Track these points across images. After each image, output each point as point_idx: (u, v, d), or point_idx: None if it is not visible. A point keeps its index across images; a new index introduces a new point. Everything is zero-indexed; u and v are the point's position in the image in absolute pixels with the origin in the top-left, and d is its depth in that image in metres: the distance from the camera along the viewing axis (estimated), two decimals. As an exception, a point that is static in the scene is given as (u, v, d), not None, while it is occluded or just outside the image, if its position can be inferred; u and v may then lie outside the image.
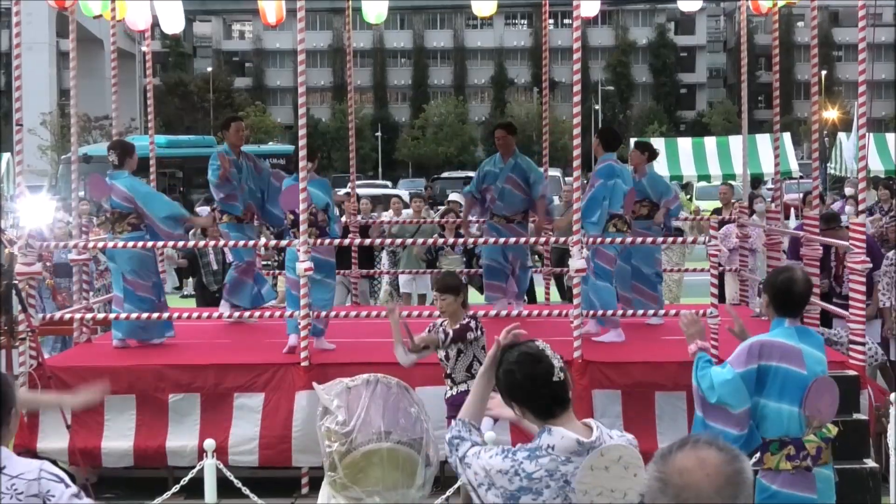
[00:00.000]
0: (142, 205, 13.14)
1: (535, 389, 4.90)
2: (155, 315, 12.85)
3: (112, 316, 13.17)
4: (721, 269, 14.52)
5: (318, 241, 12.50)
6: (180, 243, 13.89)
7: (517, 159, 14.58)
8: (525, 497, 4.80)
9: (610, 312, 12.82)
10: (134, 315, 12.95)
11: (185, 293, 19.48)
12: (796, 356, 7.43)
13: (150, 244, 12.92)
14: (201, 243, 15.09)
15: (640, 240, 13.30)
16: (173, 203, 13.84)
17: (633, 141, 49.17)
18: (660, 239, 15.33)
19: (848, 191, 32.00)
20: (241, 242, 13.59)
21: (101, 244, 14.26)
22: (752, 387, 7.45)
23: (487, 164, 14.93)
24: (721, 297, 18.61)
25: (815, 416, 7.38)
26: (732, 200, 20.51)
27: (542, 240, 15.37)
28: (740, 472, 3.28)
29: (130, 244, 12.93)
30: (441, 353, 10.18)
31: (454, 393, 10.19)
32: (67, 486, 5.35)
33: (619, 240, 12.95)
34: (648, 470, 3.32)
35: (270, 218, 15.07)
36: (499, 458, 4.87)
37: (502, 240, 13.90)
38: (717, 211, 23.03)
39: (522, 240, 14.22)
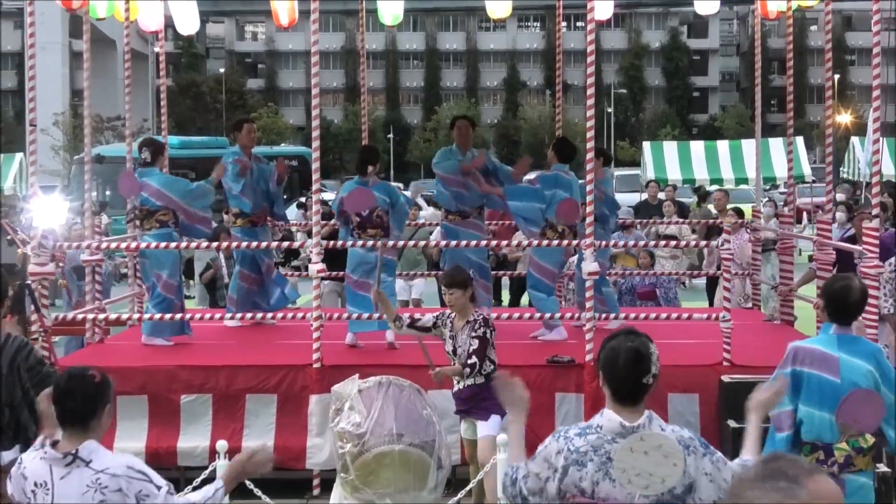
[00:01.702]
0: (182, 201, 13.33)
1: (623, 379, 5.31)
2: (168, 316, 12.90)
3: (125, 317, 13.18)
4: (713, 272, 14.49)
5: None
6: (203, 244, 13.99)
7: (470, 154, 14.22)
8: (572, 468, 5.24)
9: (613, 315, 12.83)
10: (147, 315, 13.02)
11: (187, 294, 19.51)
12: (831, 364, 7.46)
13: (162, 245, 12.95)
14: (214, 245, 15.09)
15: (640, 243, 13.22)
16: (199, 187, 13.81)
17: (644, 144, 49.30)
18: (662, 243, 15.34)
19: (839, 196, 32.02)
20: (255, 244, 13.62)
21: (113, 245, 14.34)
22: (793, 388, 7.53)
23: (448, 154, 14.43)
24: (710, 301, 18.63)
25: (853, 425, 7.36)
26: (729, 206, 20.44)
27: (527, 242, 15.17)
28: None
29: (143, 245, 13.02)
30: (448, 348, 10.17)
31: (461, 387, 10.18)
32: (158, 486, 5.47)
33: (557, 242, 12.93)
34: None
35: (284, 216, 15.12)
36: (553, 442, 5.35)
37: (483, 242, 13.85)
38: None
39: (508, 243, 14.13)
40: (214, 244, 14.93)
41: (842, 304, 7.60)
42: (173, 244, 13.15)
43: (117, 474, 5.44)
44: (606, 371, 5.36)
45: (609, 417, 5.29)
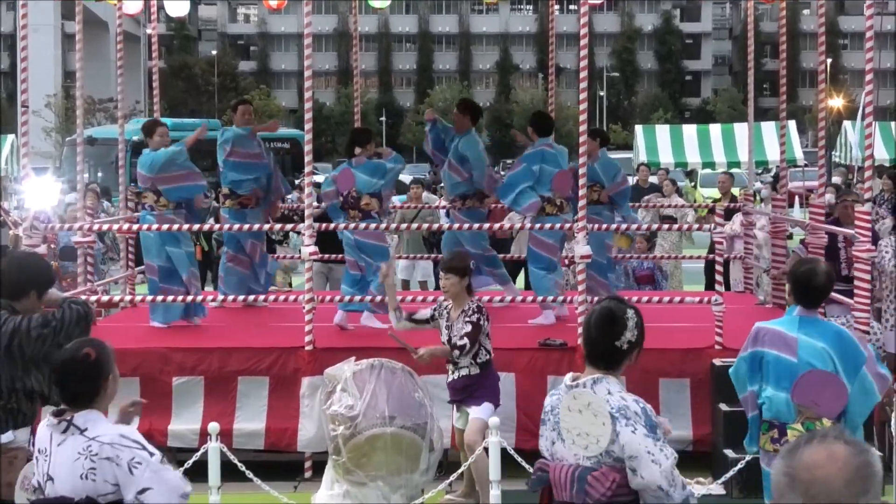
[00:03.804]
0: (151, 175, 13.29)
1: (594, 340, 5.37)
2: (170, 298, 12.88)
3: (116, 298, 13.16)
4: (725, 256, 14.47)
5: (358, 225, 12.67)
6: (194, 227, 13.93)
7: (460, 140, 14.06)
8: (541, 427, 5.46)
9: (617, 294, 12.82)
10: (138, 298, 13.02)
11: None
12: (789, 344, 7.59)
13: (145, 227, 12.93)
14: (206, 227, 15.06)
15: (637, 226, 13.20)
16: (164, 154, 13.61)
17: (637, 128, 49.31)
18: (655, 225, 15.30)
19: (836, 179, 32.07)
20: (247, 226, 13.59)
21: (105, 226, 14.32)
22: (753, 369, 7.71)
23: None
24: (727, 285, 18.65)
25: (811, 406, 7.44)
26: (734, 189, 20.46)
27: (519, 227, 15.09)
28: (869, 464, 3.24)
29: (140, 226, 13.01)
30: (444, 338, 10.16)
31: (455, 377, 10.17)
32: (151, 453, 5.48)
33: (559, 225, 12.93)
34: (775, 466, 3.32)
35: (276, 193, 15.03)
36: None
37: (476, 225, 13.80)
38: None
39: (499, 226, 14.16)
40: (207, 226, 14.87)
41: (805, 288, 7.72)
42: (169, 227, 13.08)
43: (108, 442, 5.46)
44: (583, 332, 5.46)
45: (567, 377, 5.41)
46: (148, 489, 5.43)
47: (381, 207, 13.06)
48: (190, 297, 13.01)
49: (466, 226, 13.55)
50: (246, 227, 13.55)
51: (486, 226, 13.61)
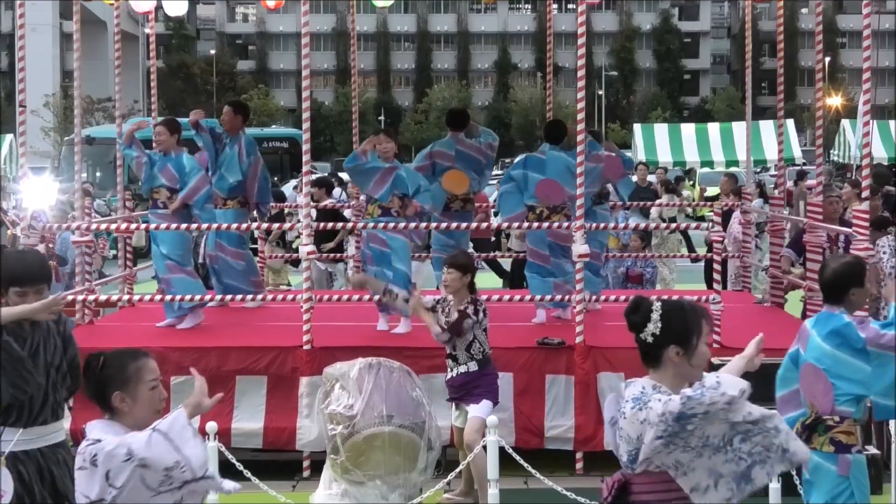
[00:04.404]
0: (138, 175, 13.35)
1: (630, 332, 5.32)
2: (167, 298, 12.88)
3: (114, 298, 13.15)
4: (725, 255, 14.47)
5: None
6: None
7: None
8: None
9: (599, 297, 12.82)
10: (136, 298, 13.02)
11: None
12: (804, 339, 7.59)
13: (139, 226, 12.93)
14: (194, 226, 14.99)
15: (642, 225, 13.18)
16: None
17: (636, 127, 49.36)
18: (653, 225, 15.28)
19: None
20: (245, 225, 13.57)
21: (103, 226, 14.30)
22: (791, 367, 7.67)
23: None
24: (724, 284, 18.65)
25: (812, 401, 7.43)
26: (738, 186, 20.46)
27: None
28: None
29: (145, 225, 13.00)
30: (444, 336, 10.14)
31: (454, 374, 10.14)
32: (99, 440, 5.33)
33: (536, 225, 12.86)
34: None
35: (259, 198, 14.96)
36: None
37: (454, 225, 13.75)
38: (715, 198, 23.07)
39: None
40: (175, 226, 14.61)
41: (820, 283, 7.78)
42: (160, 226, 13.07)
43: (79, 452, 5.35)
44: None
45: None
46: (108, 471, 5.23)
47: (369, 211, 12.84)
48: (187, 298, 12.96)
49: (444, 226, 13.48)
50: (245, 225, 13.49)
51: (470, 225, 13.59)
